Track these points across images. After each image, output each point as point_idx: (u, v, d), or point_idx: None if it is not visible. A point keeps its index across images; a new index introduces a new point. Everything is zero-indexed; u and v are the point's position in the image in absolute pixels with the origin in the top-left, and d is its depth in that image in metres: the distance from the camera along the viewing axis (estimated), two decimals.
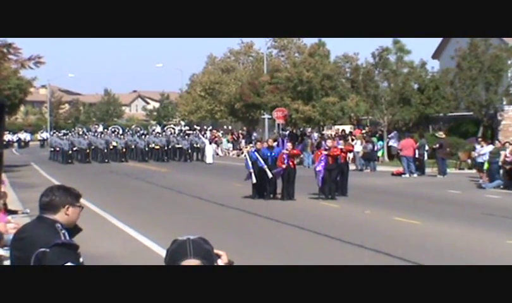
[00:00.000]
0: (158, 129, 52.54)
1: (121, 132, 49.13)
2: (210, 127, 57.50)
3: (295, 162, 22.08)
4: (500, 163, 24.41)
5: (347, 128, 46.69)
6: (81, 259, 4.27)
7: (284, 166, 20.67)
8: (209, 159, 43.42)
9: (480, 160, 26.57)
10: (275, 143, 22.49)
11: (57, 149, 46.17)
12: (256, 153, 21.49)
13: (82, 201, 4.83)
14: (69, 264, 4.05)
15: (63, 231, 4.50)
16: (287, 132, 46.12)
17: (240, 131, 56.81)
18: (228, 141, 54.49)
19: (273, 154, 21.28)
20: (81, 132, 48.22)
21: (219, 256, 3.30)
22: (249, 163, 21.32)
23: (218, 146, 52.98)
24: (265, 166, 20.93)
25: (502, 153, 24.72)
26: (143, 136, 47.98)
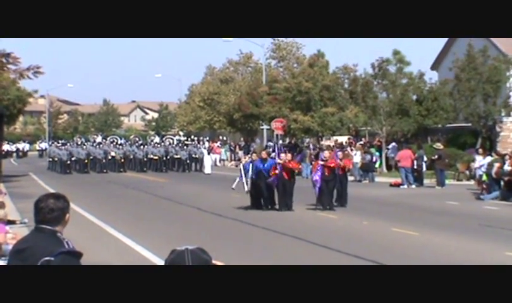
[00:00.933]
0: (156, 139, 52.60)
1: (119, 142, 49.12)
2: (207, 138, 57.50)
3: (293, 173, 21.81)
4: (494, 175, 24.38)
5: (340, 138, 46.30)
6: None
7: (276, 172, 20.59)
8: (207, 169, 43.40)
9: (479, 171, 26.58)
10: (273, 154, 22.37)
11: (56, 159, 46.13)
12: (250, 164, 21.46)
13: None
14: None
15: (65, 239, 4.52)
16: (287, 142, 46.06)
17: (238, 142, 56.81)
18: (226, 151, 54.52)
19: (265, 166, 21.18)
20: (79, 143, 48.22)
21: None
22: (243, 173, 21.33)
23: (221, 160, 52.95)
24: (254, 178, 21.01)
25: (496, 164, 24.71)
26: (141, 146, 47.97)
